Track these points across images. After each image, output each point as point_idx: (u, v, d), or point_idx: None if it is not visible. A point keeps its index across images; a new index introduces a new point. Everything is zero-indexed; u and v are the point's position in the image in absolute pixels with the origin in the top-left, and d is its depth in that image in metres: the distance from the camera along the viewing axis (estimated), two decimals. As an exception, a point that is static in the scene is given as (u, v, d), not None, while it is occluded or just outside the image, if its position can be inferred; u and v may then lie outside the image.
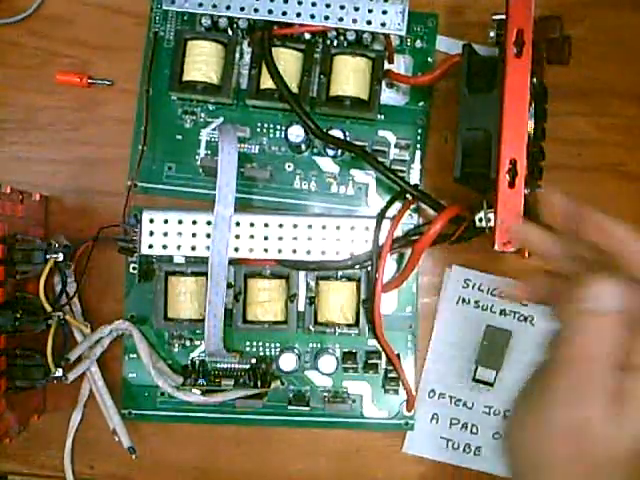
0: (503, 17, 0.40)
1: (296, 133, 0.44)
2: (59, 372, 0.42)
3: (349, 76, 0.44)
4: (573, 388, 0.30)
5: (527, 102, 0.38)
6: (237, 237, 0.42)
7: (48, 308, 0.41)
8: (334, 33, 0.44)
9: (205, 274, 0.41)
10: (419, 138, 0.46)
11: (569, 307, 0.30)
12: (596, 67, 0.47)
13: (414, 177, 0.46)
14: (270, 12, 0.43)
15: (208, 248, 0.41)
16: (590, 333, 0.29)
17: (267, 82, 0.44)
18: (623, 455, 0.29)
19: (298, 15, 0.43)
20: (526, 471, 0.33)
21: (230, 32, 0.45)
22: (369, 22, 0.43)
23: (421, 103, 0.47)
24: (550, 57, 0.42)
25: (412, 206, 0.45)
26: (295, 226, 0.42)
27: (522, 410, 0.32)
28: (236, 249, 0.42)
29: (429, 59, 0.47)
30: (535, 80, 0.39)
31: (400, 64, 0.46)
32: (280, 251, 0.42)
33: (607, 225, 0.31)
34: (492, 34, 0.41)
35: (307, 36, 0.45)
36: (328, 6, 0.43)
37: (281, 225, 0.42)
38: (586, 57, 0.47)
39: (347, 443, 0.47)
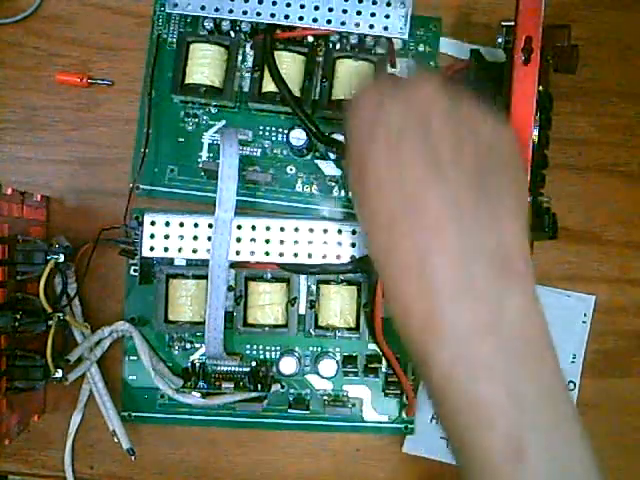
0: (512, 24, 0.39)
1: (298, 136, 0.44)
2: (59, 373, 0.42)
3: (351, 80, 0.44)
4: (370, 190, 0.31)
5: (533, 110, 0.37)
6: (238, 240, 0.42)
7: (48, 309, 0.41)
8: (336, 37, 0.44)
9: (206, 277, 0.41)
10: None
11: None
12: (596, 67, 0.48)
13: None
14: (272, 16, 0.43)
15: (209, 251, 0.41)
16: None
17: (269, 85, 0.44)
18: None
19: (300, 19, 0.43)
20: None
21: (233, 35, 0.44)
22: (372, 26, 0.43)
23: (423, 107, 0.46)
24: (557, 65, 0.41)
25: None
26: (296, 229, 0.42)
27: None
28: (237, 252, 0.42)
29: (432, 63, 0.47)
30: (541, 88, 0.39)
31: (402, 68, 0.46)
32: (281, 254, 0.42)
33: None
34: (500, 40, 0.40)
35: (310, 39, 0.44)
36: (331, 10, 0.43)
37: (282, 228, 0.42)
38: (586, 57, 0.47)
39: (347, 444, 0.47)
